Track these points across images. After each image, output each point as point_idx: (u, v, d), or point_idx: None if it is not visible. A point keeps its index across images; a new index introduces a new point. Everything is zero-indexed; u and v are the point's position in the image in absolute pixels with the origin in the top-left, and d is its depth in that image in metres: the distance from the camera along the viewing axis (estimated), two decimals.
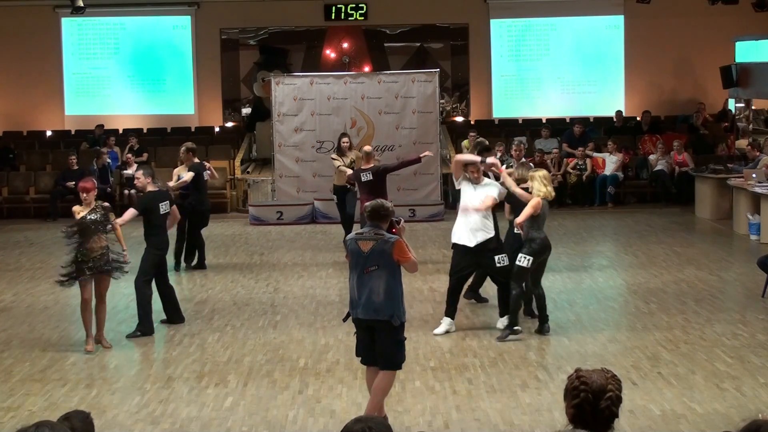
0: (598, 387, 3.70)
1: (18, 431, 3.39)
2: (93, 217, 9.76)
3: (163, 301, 10.91)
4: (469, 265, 10.31)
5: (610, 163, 19.63)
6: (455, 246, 10.20)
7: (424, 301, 11.69)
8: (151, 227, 10.58)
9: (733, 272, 13.16)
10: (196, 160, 13.95)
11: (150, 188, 10.60)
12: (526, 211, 9.82)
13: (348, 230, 14.03)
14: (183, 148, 14.02)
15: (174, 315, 10.93)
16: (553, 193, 10.23)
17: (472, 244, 10.03)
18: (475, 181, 10.09)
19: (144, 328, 10.41)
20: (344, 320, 7.72)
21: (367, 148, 14.30)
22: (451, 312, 10.29)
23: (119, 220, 10.15)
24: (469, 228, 10.03)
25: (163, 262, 10.86)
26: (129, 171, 19.94)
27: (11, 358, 9.71)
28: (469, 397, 8.25)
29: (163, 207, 10.55)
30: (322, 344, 9.95)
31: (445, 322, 10.26)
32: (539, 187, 9.89)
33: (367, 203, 7.75)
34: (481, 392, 8.36)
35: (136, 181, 10.95)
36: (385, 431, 3.45)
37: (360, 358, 7.63)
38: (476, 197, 10.05)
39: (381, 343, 7.36)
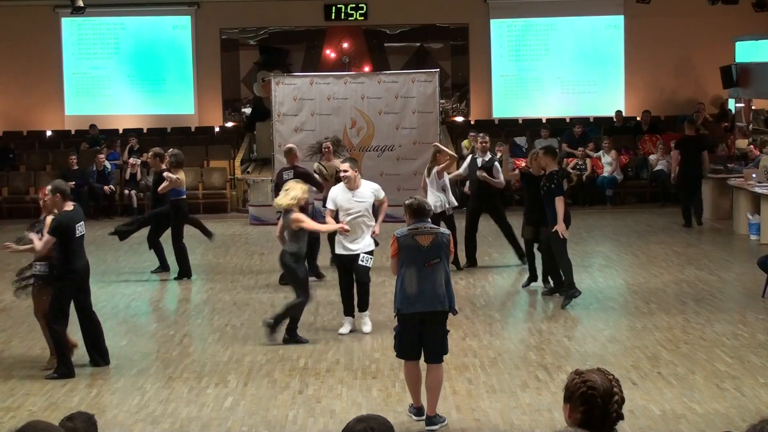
0: (605, 391, 3.67)
1: None
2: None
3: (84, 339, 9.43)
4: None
5: (605, 163, 19.66)
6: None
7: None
8: (66, 254, 8.93)
9: (733, 272, 13.15)
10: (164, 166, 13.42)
11: (66, 208, 8.99)
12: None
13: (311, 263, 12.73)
14: (151, 153, 13.66)
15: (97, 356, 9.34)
16: None
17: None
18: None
19: (65, 369, 8.98)
20: (395, 317, 7.75)
21: (290, 145, 13.69)
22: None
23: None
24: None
25: (83, 291, 9.25)
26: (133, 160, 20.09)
27: (11, 358, 9.71)
28: (469, 397, 8.26)
29: (80, 229, 9.04)
30: (322, 344, 9.95)
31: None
32: None
33: (408, 201, 7.79)
34: (481, 392, 8.36)
35: (45, 199, 9.10)
36: (386, 431, 3.44)
37: (403, 354, 7.67)
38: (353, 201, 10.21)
39: (432, 336, 7.54)
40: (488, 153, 13.74)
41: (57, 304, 8.97)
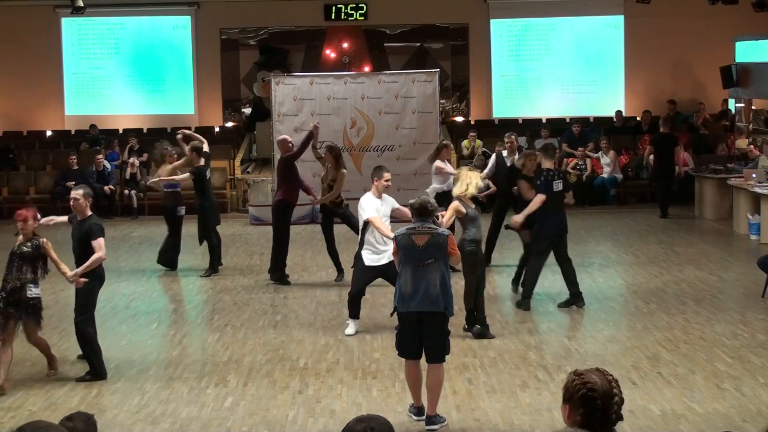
0: (604, 392, 3.66)
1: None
2: (21, 250, 8.79)
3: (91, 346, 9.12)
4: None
5: (604, 164, 19.65)
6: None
7: None
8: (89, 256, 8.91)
9: (733, 272, 13.15)
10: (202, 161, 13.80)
11: (89, 212, 9.07)
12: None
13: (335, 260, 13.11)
14: (189, 147, 13.90)
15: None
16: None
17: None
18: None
19: (97, 371, 8.97)
20: (391, 315, 7.78)
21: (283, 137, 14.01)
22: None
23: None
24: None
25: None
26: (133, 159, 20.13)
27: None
28: (469, 397, 8.26)
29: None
30: (322, 344, 9.95)
31: None
32: None
33: (411, 201, 7.79)
34: (481, 392, 8.36)
35: (74, 203, 9.02)
36: (386, 431, 3.44)
37: (403, 353, 7.68)
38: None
39: (431, 337, 7.53)
40: (516, 152, 13.43)
41: (92, 306, 9.00)
